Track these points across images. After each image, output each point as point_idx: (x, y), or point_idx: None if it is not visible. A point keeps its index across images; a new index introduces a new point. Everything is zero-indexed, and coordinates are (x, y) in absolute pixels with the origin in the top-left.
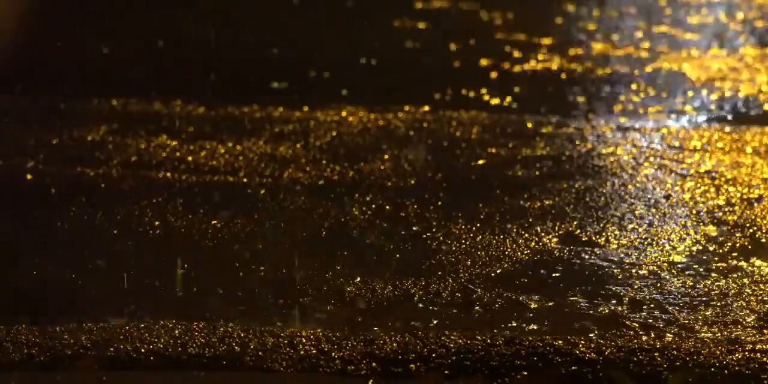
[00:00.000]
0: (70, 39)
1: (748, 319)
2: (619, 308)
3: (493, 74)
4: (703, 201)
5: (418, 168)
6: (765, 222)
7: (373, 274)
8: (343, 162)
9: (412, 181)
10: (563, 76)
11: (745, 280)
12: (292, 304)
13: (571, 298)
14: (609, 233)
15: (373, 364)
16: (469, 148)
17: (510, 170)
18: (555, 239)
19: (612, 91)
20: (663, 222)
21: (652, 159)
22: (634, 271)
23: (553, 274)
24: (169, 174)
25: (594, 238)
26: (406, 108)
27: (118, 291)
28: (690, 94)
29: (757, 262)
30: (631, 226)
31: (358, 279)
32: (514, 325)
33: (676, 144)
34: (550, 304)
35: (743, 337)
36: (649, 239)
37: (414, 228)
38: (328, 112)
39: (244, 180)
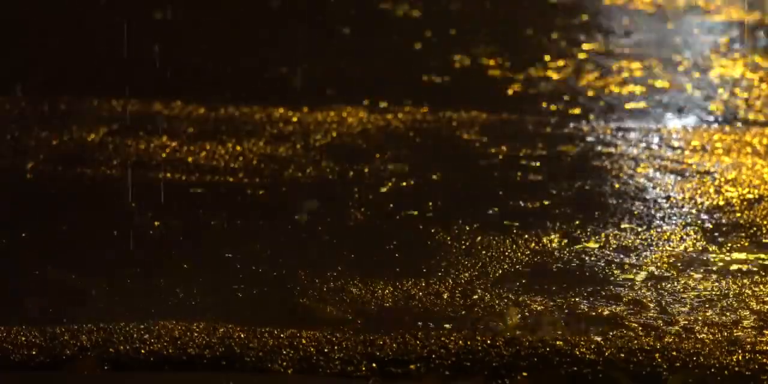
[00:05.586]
0: (70, 39)
1: (748, 320)
2: (619, 308)
3: (495, 72)
4: (703, 201)
5: (418, 168)
6: (765, 222)
7: (374, 274)
8: (343, 162)
9: (412, 181)
10: (563, 76)
11: (745, 280)
12: (292, 304)
13: (571, 299)
14: (609, 233)
15: (373, 364)
16: (469, 148)
17: (510, 170)
18: (555, 239)
19: (612, 91)
20: (663, 222)
21: (652, 159)
22: (634, 271)
23: (553, 275)
24: (169, 174)
25: (594, 238)
26: (406, 108)
27: (118, 291)
28: (690, 94)
29: (757, 263)
30: (631, 227)
31: (358, 279)
32: (514, 325)
33: (676, 144)
34: (550, 304)
35: (743, 338)
36: (649, 239)
37: (414, 228)
38: (328, 112)
39: (244, 180)
